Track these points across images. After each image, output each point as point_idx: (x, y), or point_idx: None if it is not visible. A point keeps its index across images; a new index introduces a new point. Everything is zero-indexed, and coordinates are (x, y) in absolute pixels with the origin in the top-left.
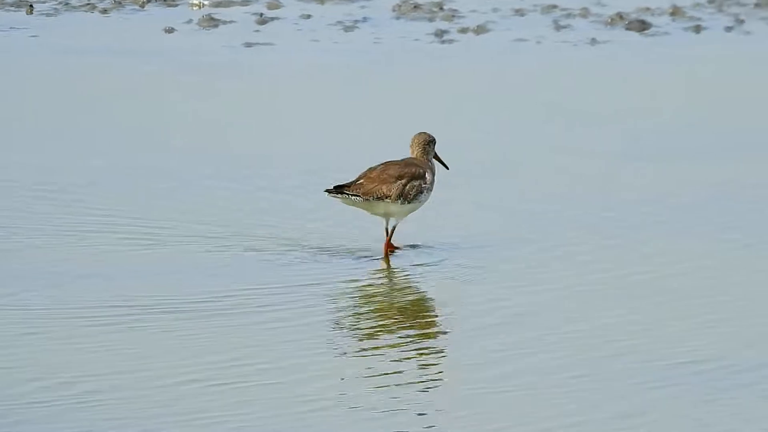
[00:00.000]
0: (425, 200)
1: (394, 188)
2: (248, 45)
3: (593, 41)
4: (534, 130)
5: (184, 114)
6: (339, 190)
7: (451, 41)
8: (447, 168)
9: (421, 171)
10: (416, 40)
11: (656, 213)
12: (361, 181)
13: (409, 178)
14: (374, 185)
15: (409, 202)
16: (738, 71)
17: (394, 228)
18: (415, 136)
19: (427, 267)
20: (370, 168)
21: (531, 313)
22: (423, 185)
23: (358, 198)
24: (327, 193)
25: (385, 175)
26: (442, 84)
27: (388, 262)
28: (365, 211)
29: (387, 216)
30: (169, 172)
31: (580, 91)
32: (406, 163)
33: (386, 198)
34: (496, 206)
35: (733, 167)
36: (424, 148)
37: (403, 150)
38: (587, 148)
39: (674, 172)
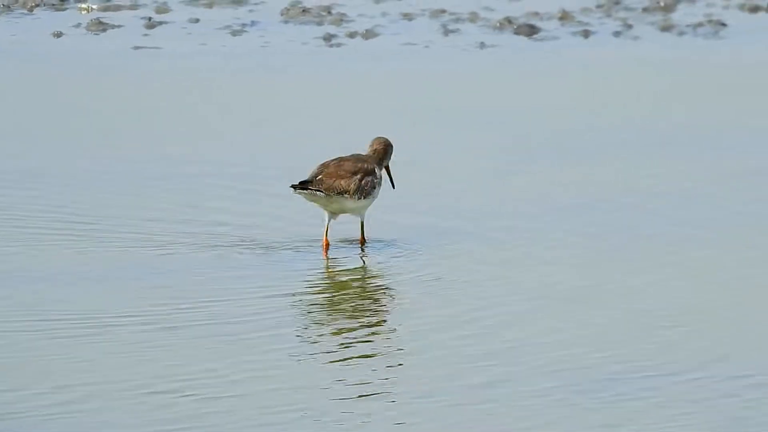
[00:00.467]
0: (377, 195)
1: (352, 183)
2: (137, 48)
3: (482, 45)
4: (423, 133)
5: (73, 117)
6: (304, 186)
7: (339, 45)
8: (393, 187)
9: (371, 167)
10: (304, 44)
11: (542, 216)
12: (321, 177)
13: (363, 174)
14: (333, 180)
15: (365, 198)
16: (626, 75)
17: (363, 224)
18: (381, 138)
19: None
20: (324, 164)
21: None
22: (375, 180)
23: (321, 193)
24: (293, 189)
25: (342, 171)
26: (330, 87)
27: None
28: (321, 208)
29: (341, 213)
30: (53, 175)
31: (468, 94)
32: (357, 158)
33: (345, 193)
34: (404, 206)
35: (621, 167)
36: (386, 151)
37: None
38: (476, 150)
39: (563, 173)
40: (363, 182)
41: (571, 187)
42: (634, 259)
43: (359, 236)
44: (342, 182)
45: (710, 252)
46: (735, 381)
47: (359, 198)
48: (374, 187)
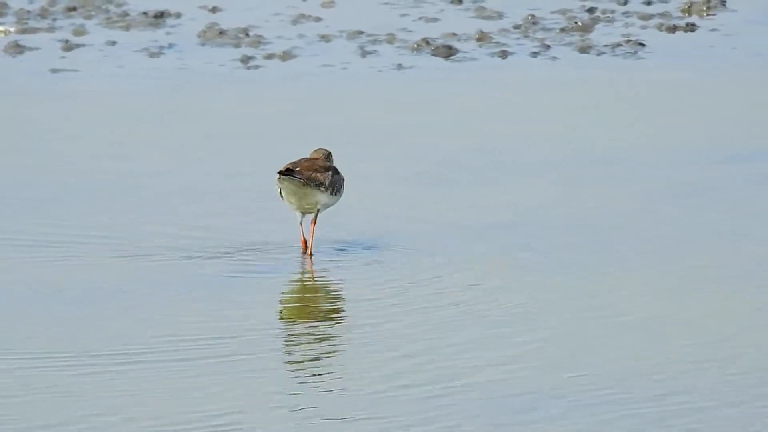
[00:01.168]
0: (341, 195)
1: (327, 178)
2: (54, 71)
3: (399, 67)
4: (341, 153)
5: None
6: (289, 173)
7: (257, 67)
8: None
9: (335, 167)
10: (221, 65)
11: (460, 236)
12: (299, 168)
13: (333, 171)
14: (311, 173)
15: (336, 193)
16: (544, 95)
17: (315, 222)
18: (322, 149)
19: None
20: (295, 162)
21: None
22: (342, 179)
23: (301, 182)
24: (279, 175)
25: (316, 165)
26: (248, 109)
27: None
28: (291, 203)
29: (313, 207)
30: None
31: (385, 115)
32: (323, 159)
33: (321, 186)
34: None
35: (535, 189)
36: (328, 158)
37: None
38: (393, 171)
39: (476, 194)
40: (334, 178)
41: (485, 207)
42: (563, 274)
43: (303, 236)
44: (319, 175)
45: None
46: None
47: (332, 193)
48: (341, 187)
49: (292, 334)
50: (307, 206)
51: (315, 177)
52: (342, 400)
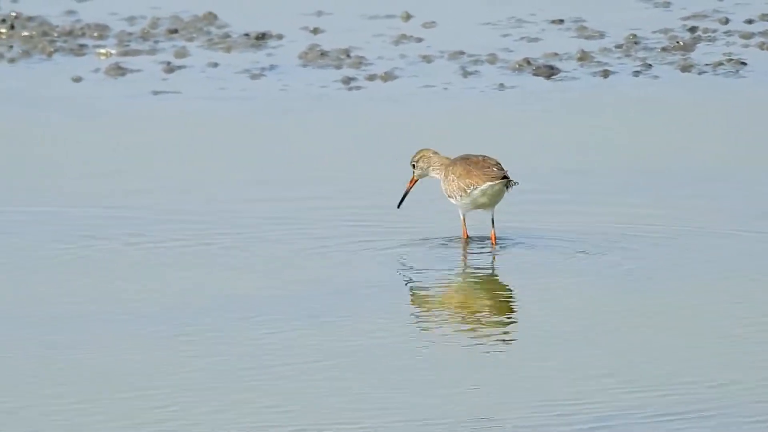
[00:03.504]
0: None
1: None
2: (156, 93)
3: (501, 87)
4: None
5: (91, 162)
6: (506, 177)
7: (358, 88)
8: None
9: None
10: (323, 87)
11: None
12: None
13: None
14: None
15: (508, 189)
16: (646, 114)
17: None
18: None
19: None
20: (474, 159)
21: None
22: None
23: (510, 183)
24: (505, 178)
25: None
26: (350, 130)
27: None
28: (481, 203)
29: (494, 204)
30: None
31: (488, 135)
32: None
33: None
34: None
35: (644, 205)
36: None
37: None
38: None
39: (583, 212)
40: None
41: (594, 223)
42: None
43: (493, 231)
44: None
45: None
46: None
47: (507, 189)
48: None
49: None
50: (491, 204)
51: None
52: None
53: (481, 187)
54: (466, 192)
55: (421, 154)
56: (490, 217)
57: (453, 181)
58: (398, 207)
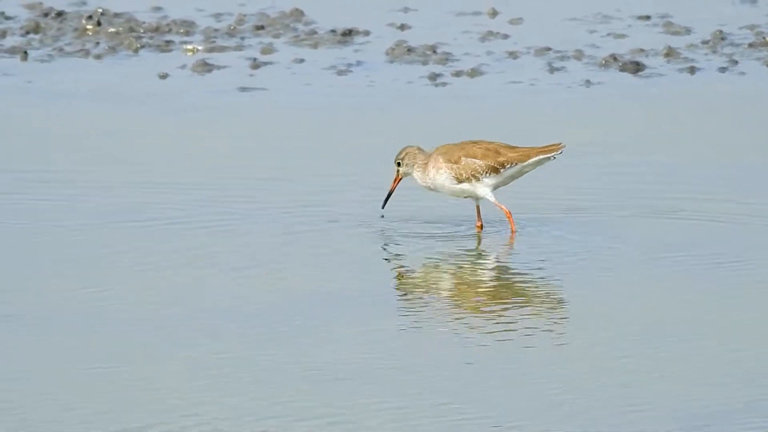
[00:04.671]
0: None
1: None
2: (242, 89)
3: (587, 83)
4: None
5: (178, 157)
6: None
7: (444, 84)
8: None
9: None
10: (409, 83)
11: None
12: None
13: None
14: None
15: None
16: (733, 111)
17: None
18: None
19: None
20: (456, 144)
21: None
22: None
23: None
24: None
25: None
26: (437, 126)
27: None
28: (507, 183)
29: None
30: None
31: (574, 130)
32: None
33: None
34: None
35: (739, 200)
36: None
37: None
38: (581, 183)
39: (678, 209)
40: None
41: (696, 223)
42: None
43: (480, 220)
44: None
45: None
46: None
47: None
48: None
49: None
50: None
51: None
52: None
53: (534, 159)
54: (500, 170)
55: (406, 152)
56: (477, 204)
57: (469, 165)
58: (382, 207)
